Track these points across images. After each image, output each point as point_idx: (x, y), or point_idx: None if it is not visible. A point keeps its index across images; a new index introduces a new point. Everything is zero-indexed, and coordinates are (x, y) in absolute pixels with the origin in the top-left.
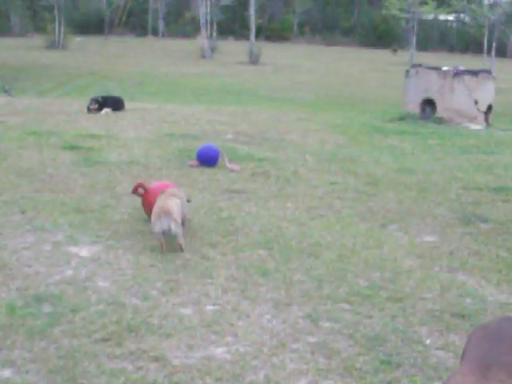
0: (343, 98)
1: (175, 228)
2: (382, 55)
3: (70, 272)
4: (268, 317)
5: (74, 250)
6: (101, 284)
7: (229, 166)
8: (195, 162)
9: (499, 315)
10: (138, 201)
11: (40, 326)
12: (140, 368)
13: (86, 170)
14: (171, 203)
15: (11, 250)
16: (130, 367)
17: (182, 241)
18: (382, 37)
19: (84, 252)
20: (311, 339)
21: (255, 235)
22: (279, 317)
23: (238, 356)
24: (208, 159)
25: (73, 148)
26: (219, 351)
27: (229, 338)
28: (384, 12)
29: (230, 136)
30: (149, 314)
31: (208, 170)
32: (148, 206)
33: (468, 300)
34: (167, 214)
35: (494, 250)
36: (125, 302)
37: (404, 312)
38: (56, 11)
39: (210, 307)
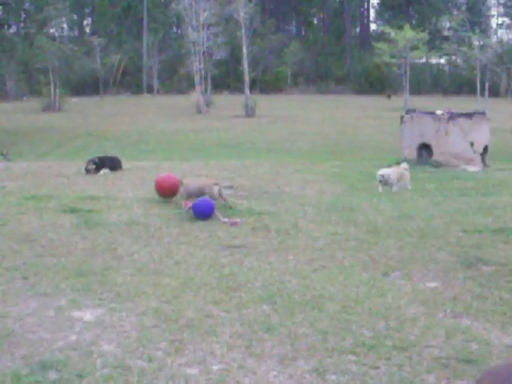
0: (340, 147)
1: None
2: (376, 101)
3: (74, 337)
4: (274, 373)
5: (77, 314)
6: (105, 348)
7: (226, 220)
8: (189, 203)
9: (506, 359)
10: (140, 262)
11: None
12: None
13: (87, 233)
14: None
15: (15, 317)
16: None
17: None
18: (376, 83)
19: (87, 316)
20: None
21: (258, 290)
22: (285, 372)
23: None
24: (202, 213)
25: (72, 211)
26: None
27: None
28: (376, 59)
29: (229, 191)
30: (155, 376)
31: (208, 227)
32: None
33: (474, 345)
34: None
35: (497, 292)
36: (130, 365)
37: (410, 360)
38: (51, 74)
39: (215, 366)
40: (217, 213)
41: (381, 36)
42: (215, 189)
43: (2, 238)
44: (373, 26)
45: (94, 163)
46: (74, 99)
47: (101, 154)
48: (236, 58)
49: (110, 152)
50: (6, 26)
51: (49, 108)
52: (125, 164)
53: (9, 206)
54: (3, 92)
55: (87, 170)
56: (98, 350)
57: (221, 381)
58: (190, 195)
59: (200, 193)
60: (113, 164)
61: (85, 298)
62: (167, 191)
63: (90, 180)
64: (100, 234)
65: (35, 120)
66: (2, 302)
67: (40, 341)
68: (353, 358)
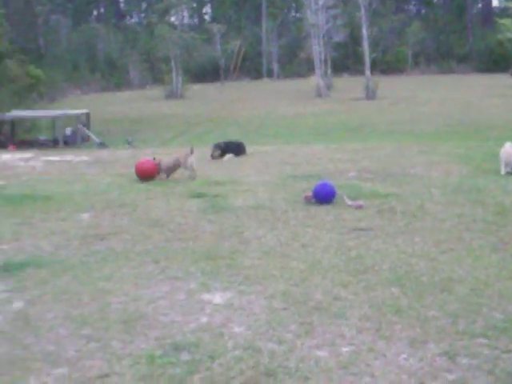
0: (463, 127)
1: None
2: (501, 80)
3: (205, 319)
4: (404, 355)
5: (207, 297)
6: (236, 330)
7: (350, 203)
8: (310, 194)
9: None
10: (267, 245)
11: (179, 374)
12: None
13: (214, 217)
14: None
15: (147, 299)
16: None
17: None
18: (499, 61)
19: (217, 299)
20: (450, 376)
21: (385, 273)
22: (416, 355)
23: None
24: (325, 197)
25: (199, 196)
26: None
27: (367, 379)
28: (499, 36)
29: (353, 173)
30: (285, 358)
31: (334, 210)
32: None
33: None
34: None
35: None
36: (261, 347)
37: None
38: (173, 62)
39: (345, 348)
40: (342, 196)
41: (504, 11)
42: (189, 159)
43: (133, 223)
44: (495, 2)
45: (220, 148)
46: (196, 86)
47: (224, 140)
48: (355, 40)
49: (233, 137)
50: (128, 17)
51: (171, 95)
52: (248, 149)
53: (138, 192)
54: (127, 81)
55: (212, 156)
56: (229, 331)
57: (351, 363)
58: (167, 171)
59: (175, 166)
60: (237, 149)
61: (214, 281)
62: (146, 174)
63: (215, 165)
64: (227, 219)
65: (158, 107)
66: (134, 286)
67: (172, 323)
68: (484, 341)
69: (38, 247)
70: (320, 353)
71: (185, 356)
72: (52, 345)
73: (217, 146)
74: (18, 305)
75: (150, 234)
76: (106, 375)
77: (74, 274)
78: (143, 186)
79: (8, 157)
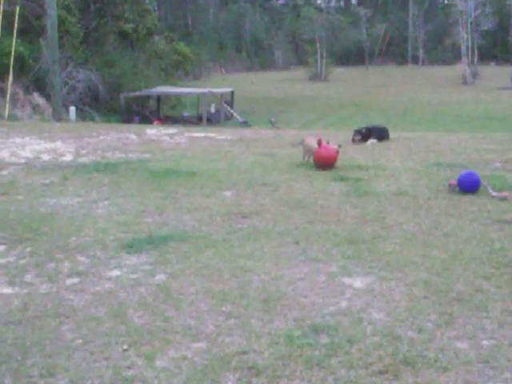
0: None
1: None
2: None
3: (344, 303)
4: None
5: (347, 281)
6: (375, 316)
7: (495, 194)
8: (454, 182)
9: None
10: (409, 232)
11: (318, 357)
12: None
13: (356, 201)
14: None
15: (287, 280)
16: None
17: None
18: None
19: (357, 283)
20: None
21: None
22: None
23: None
24: (469, 186)
25: (342, 179)
26: None
27: (507, 375)
28: None
29: (498, 164)
30: (425, 347)
31: (478, 200)
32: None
33: None
34: None
35: None
36: (400, 335)
37: None
38: (318, 44)
39: (486, 342)
40: (487, 186)
41: None
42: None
43: (275, 203)
44: None
45: (361, 133)
46: (339, 69)
47: (366, 125)
48: (504, 28)
49: (376, 122)
50: None
51: (315, 77)
52: (391, 134)
53: (280, 173)
54: (272, 61)
55: (353, 141)
56: (368, 317)
57: (491, 356)
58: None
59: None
60: (381, 134)
61: (355, 266)
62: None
63: (358, 149)
64: (369, 203)
65: (302, 89)
66: (274, 265)
67: (311, 305)
68: None
69: (181, 222)
70: (460, 344)
71: (323, 339)
72: (192, 319)
73: (358, 132)
74: (160, 277)
75: (291, 214)
76: (245, 352)
77: (216, 250)
78: (286, 166)
79: (153, 131)
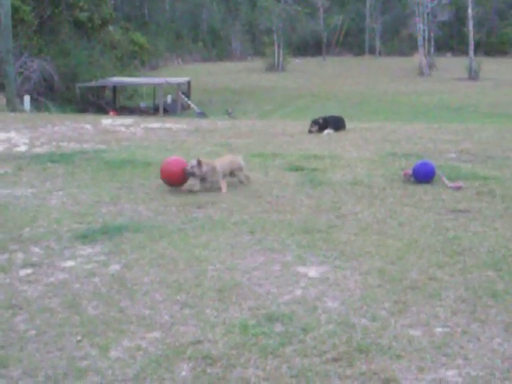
0: None
1: None
2: None
3: (299, 292)
4: (499, 340)
5: (302, 270)
6: (330, 304)
7: (450, 185)
8: (409, 172)
9: None
10: (364, 222)
11: (272, 345)
12: None
13: (311, 191)
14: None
15: (242, 270)
16: None
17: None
18: None
19: (312, 272)
20: None
21: (483, 256)
22: (511, 340)
23: (470, 379)
24: (424, 176)
25: (297, 169)
26: (450, 374)
27: (459, 361)
28: None
29: (452, 155)
30: (378, 335)
31: (432, 190)
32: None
33: None
34: None
35: None
36: (354, 323)
37: None
38: (275, 34)
39: (439, 329)
40: (441, 176)
41: None
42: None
43: (231, 193)
44: None
45: (317, 123)
46: (297, 60)
47: (323, 115)
48: (460, 20)
49: (333, 112)
50: None
51: (272, 68)
52: (348, 124)
53: None
54: (229, 52)
55: (310, 131)
56: (323, 305)
57: (444, 344)
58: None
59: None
60: (337, 124)
61: (310, 255)
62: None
63: (314, 139)
64: (324, 193)
65: (259, 80)
66: (230, 255)
67: (266, 294)
68: None
69: (136, 212)
70: (413, 332)
71: (278, 327)
72: (147, 309)
73: (314, 122)
74: (114, 268)
75: (247, 204)
76: (199, 342)
77: (171, 240)
78: (242, 156)
79: (109, 122)
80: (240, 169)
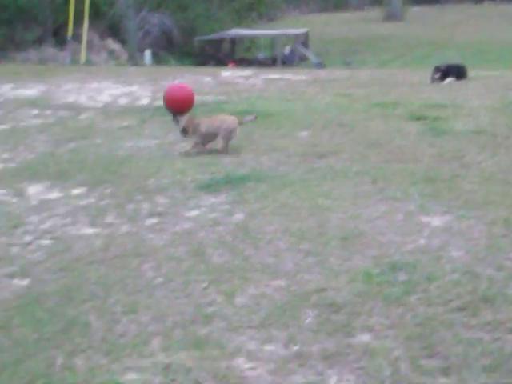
0: None
1: None
2: None
3: (422, 241)
4: None
5: (425, 219)
6: (454, 254)
7: None
8: None
9: None
10: (488, 171)
11: (396, 294)
12: (497, 339)
13: (433, 140)
14: None
15: (365, 219)
16: (486, 337)
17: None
18: None
19: (435, 221)
20: None
21: None
22: None
23: None
24: None
25: (418, 118)
26: None
27: None
28: None
29: None
30: (504, 285)
31: None
32: None
33: None
34: None
35: None
36: (479, 272)
37: None
38: None
39: None
40: None
41: None
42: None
43: (351, 143)
44: None
45: (440, 70)
46: (415, 8)
47: (444, 63)
48: None
49: (453, 61)
50: None
51: (390, 17)
52: (469, 73)
53: (356, 113)
54: (345, 2)
55: (432, 79)
56: (447, 255)
57: None
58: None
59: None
60: (459, 72)
61: (433, 204)
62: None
63: (435, 88)
64: (447, 142)
65: (376, 29)
66: (352, 204)
67: (389, 243)
68: None
69: (258, 162)
70: None
71: (402, 276)
72: (271, 257)
73: (437, 68)
74: (238, 217)
75: (368, 154)
76: (323, 290)
77: (294, 189)
78: (362, 106)
79: (228, 74)
80: (228, 131)
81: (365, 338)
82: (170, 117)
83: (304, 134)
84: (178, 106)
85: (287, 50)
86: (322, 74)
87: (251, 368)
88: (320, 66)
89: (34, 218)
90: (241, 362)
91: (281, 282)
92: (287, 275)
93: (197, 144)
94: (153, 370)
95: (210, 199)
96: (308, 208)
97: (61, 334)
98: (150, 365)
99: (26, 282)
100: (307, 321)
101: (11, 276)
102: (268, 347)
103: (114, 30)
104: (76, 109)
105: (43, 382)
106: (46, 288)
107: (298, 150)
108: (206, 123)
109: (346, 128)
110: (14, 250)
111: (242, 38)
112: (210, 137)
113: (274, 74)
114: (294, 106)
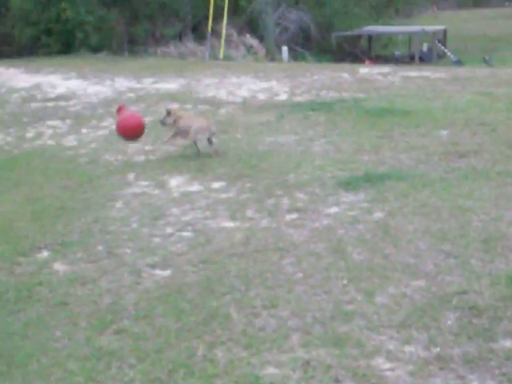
0: None
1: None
2: None
3: None
4: None
5: None
6: None
7: None
8: None
9: None
10: None
11: None
12: None
13: None
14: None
15: (508, 221)
16: None
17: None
18: None
19: None
20: None
21: None
22: None
23: None
24: None
25: None
26: None
27: None
28: None
29: None
30: None
31: None
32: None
33: None
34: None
35: None
36: None
37: None
38: None
39: None
40: None
41: None
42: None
43: (493, 143)
44: None
45: None
46: None
47: None
48: None
49: None
50: None
51: None
52: None
53: (498, 112)
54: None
55: None
56: None
57: None
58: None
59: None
60: None
61: None
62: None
63: None
64: None
65: None
66: (494, 206)
67: None
68: None
69: (397, 160)
70: None
71: None
72: (411, 257)
73: None
74: (378, 215)
75: (510, 154)
76: (465, 292)
77: (434, 189)
78: (504, 105)
79: (366, 71)
80: (195, 132)
81: (508, 343)
82: (307, 113)
83: (444, 132)
84: (130, 134)
85: (425, 47)
86: (461, 71)
87: (391, 368)
88: (458, 63)
89: (175, 210)
90: (380, 362)
91: (421, 283)
92: (428, 276)
93: (173, 135)
94: (292, 366)
95: (349, 197)
96: (449, 208)
97: (202, 325)
98: (290, 360)
99: (167, 272)
100: (448, 323)
101: (153, 266)
102: (408, 348)
103: (252, 26)
104: (216, 103)
105: (184, 371)
106: (188, 279)
107: (437, 149)
108: (184, 119)
109: (488, 127)
110: (156, 240)
111: (379, 35)
112: (182, 133)
113: (412, 72)
114: (434, 104)
